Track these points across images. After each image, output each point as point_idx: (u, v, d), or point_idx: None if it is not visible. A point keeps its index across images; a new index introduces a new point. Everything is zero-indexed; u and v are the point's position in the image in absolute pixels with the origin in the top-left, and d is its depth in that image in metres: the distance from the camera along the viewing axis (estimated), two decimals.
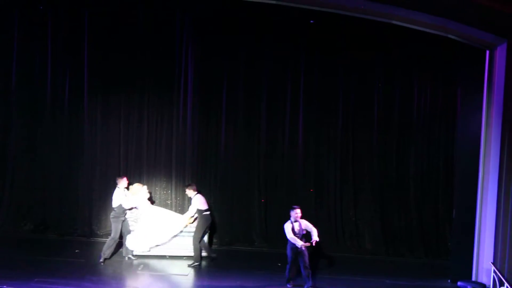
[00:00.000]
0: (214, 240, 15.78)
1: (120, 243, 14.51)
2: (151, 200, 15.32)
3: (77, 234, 16.18)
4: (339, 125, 15.77)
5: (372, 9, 11.84)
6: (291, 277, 12.86)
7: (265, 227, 16.00)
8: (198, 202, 14.48)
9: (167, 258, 14.64)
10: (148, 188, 15.04)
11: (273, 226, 15.92)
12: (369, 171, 15.79)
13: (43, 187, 16.30)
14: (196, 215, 14.51)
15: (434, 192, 15.55)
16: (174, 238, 14.66)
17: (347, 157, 15.85)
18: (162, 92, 16.09)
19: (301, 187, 15.93)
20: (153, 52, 15.82)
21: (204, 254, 14.60)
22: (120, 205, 14.25)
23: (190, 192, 14.63)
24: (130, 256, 14.48)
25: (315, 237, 12.56)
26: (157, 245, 14.60)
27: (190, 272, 13.84)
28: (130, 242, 14.43)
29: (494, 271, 11.94)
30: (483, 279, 12.68)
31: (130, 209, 14.35)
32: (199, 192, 14.73)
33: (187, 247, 14.62)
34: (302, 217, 12.73)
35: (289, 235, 12.53)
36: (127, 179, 14.73)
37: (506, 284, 11.05)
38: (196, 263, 14.27)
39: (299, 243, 12.45)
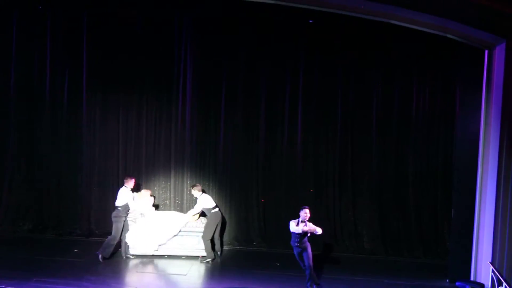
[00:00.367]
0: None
1: (118, 243, 14.52)
2: (154, 204, 15.43)
3: (76, 234, 16.19)
4: (338, 125, 15.76)
5: (371, 9, 11.83)
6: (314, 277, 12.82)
7: (263, 226, 16.00)
8: (204, 201, 14.69)
9: (165, 258, 14.65)
10: (151, 192, 15.31)
11: (272, 226, 15.95)
12: (368, 170, 15.78)
13: (42, 186, 16.31)
14: (198, 214, 14.73)
15: (433, 192, 15.55)
16: (173, 238, 14.69)
17: (346, 157, 15.84)
18: (161, 92, 16.09)
19: (300, 187, 15.91)
20: (152, 52, 15.81)
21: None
22: (125, 205, 14.29)
23: (196, 192, 14.87)
24: (128, 255, 14.49)
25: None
26: (161, 245, 14.66)
27: (189, 271, 13.84)
28: (134, 243, 14.50)
29: (493, 271, 11.96)
30: (481, 279, 12.69)
31: (132, 211, 14.41)
32: (204, 191, 14.99)
33: (186, 246, 14.74)
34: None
35: (295, 229, 12.55)
36: (135, 181, 14.87)
37: (504, 283, 11.07)
38: (209, 259, 14.48)
39: (319, 230, 12.53)
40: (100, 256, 14.13)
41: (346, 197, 15.90)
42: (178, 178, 16.11)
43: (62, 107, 16.14)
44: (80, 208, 16.23)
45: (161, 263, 14.41)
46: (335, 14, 12.57)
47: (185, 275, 13.62)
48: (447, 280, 13.61)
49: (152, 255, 14.62)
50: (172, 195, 16.08)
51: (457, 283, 12.54)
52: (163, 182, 16.10)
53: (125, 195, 14.43)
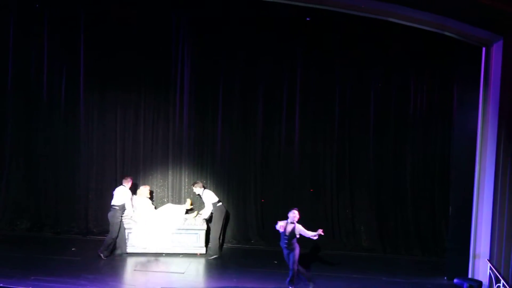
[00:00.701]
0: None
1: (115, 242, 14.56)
2: (152, 198, 15.52)
3: (74, 232, 16.18)
4: (336, 123, 15.77)
5: (369, 6, 11.83)
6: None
7: (261, 225, 16.01)
8: (209, 196, 14.90)
9: (163, 256, 14.65)
10: (150, 188, 15.49)
11: (270, 224, 15.82)
12: (365, 168, 15.79)
13: (40, 185, 16.29)
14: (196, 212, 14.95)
15: (431, 189, 15.58)
16: (171, 236, 14.70)
17: (343, 155, 15.85)
18: (158, 90, 16.10)
19: (298, 185, 15.94)
20: (149, 51, 15.81)
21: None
22: (122, 204, 14.33)
23: (198, 189, 15.06)
24: (124, 253, 14.49)
25: (317, 232, 12.38)
26: (162, 241, 14.73)
27: (187, 269, 13.83)
28: (136, 241, 14.56)
29: (491, 268, 11.96)
30: (479, 276, 12.69)
31: (129, 212, 14.43)
32: (205, 187, 15.17)
33: (184, 244, 14.80)
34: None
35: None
36: (132, 181, 14.90)
37: (502, 281, 11.07)
38: (215, 256, 14.66)
39: (310, 233, 12.37)
40: (102, 255, 14.14)
41: (344, 195, 15.91)
42: (176, 176, 16.12)
43: (60, 106, 16.13)
44: (77, 206, 16.21)
45: (159, 261, 14.41)
46: (332, 12, 12.56)
47: (183, 273, 13.61)
48: (445, 278, 13.62)
49: (150, 253, 14.61)
50: (170, 193, 16.08)
51: (455, 281, 12.51)
52: (161, 180, 16.10)
53: (122, 195, 14.43)
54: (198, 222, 14.88)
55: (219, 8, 15.35)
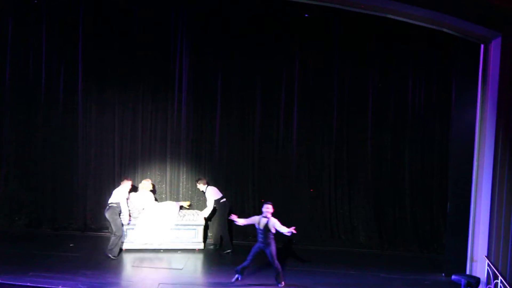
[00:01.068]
0: (209, 234, 15.78)
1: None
2: (154, 192, 15.58)
3: (72, 228, 16.18)
4: (334, 121, 15.77)
5: (367, 3, 11.82)
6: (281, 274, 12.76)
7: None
8: (212, 193, 14.98)
9: (161, 252, 14.66)
10: (152, 182, 15.54)
11: None
12: (364, 166, 15.81)
13: (38, 181, 16.28)
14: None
15: (429, 186, 15.61)
16: (169, 231, 14.72)
17: (341, 153, 15.87)
18: (157, 88, 16.11)
19: (296, 183, 15.96)
20: (148, 49, 15.83)
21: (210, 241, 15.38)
22: (118, 203, 14.27)
23: (201, 186, 15.17)
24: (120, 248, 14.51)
25: (290, 229, 12.32)
26: (161, 237, 14.77)
27: (185, 265, 13.84)
28: (135, 237, 14.59)
29: (488, 265, 11.97)
30: (477, 272, 12.71)
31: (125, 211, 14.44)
32: (209, 184, 15.22)
33: (182, 239, 14.87)
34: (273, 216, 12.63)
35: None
36: (132, 183, 14.92)
37: (500, 277, 11.08)
38: (229, 250, 14.86)
39: (284, 229, 12.34)
40: (110, 255, 14.11)
41: (342, 192, 15.93)
42: (174, 173, 16.14)
43: (58, 103, 16.11)
44: (75, 202, 16.22)
45: (157, 257, 14.42)
46: (330, 8, 12.57)
47: (181, 269, 13.62)
48: (443, 274, 13.65)
49: (148, 249, 14.62)
50: (168, 189, 16.08)
51: (453, 277, 12.52)
52: (159, 177, 16.11)
53: (119, 194, 14.40)
54: (196, 217, 14.90)
55: (217, 7, 15.39)
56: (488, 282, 11.96)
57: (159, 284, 12.49)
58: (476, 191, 12.90)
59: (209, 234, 15.78)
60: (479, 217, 12.74)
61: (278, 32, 15.51)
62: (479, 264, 12.66)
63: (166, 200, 15.87)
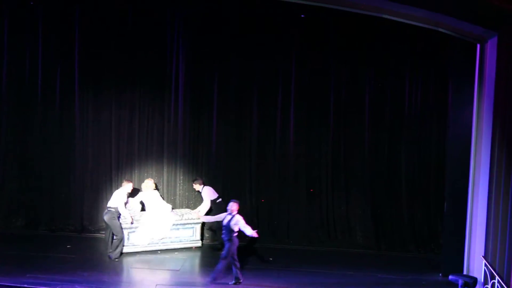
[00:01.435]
0: (206, 235, 15.79)
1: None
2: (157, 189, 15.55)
3: (69, 230, 16.15)
4: (331, 122, 15.78)
5: (363, 3, 11.82)
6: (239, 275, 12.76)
7: (256, 222, 15.96)
8: (208, 193, 15.03)
9: (159, 253, 14.66)
10: (154, 181, 15.47)
11: (265, 223, 16.01)
12: (361, 166, 15.81)
13: (35, 182, 16.24)
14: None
15: (426, 186, 15.62)
16: (169, 230, 14.84)
17: (338, 153, 15.87)
18: (153, 90, 16.09)
19: (293, 183, 15.97)
20: (144, 50, 15.81)
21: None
22: (116, 207, 14.22)
23: (197, 186, 15.22)
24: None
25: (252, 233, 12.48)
26: (162, 238, 14.83)
27: (182, 267, 13.84)
28: (139, 238, 14.60)
29: (485, 265, 11.98)
30: (474, 272, 12.71)
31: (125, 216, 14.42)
32: (205, 184, 15.25)
33: (181, 238, 15.04)
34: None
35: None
36: (133, 185, 14.86)
37: (497, 277, 11.08)
38: None
39: (248, 230, 12.45)
40: (112, 258, 14.09)
41: (339, 193, 15.93)
42: (171, 174, 16.13)
43: (55, 104, 16.08)
44: (73, 204, 16.19)
45: (154, 258, 14.41)
46: (326, 9, 12.55)
47: (178, 270, 13.62)
48: (440, 274, 13.66)
49: (146, 251, 14.62)
50: (165, 190, 16.06)
51: (450, 277, 12.53)
52: (156, 178, 16.05)
53: (118, 197, 14.34)
54: (195, 216, 14.93)
55: (214, 7, 15.39)
56: (485, 282, 11.95)
57: (156, 285, 12.50)
58: (473, 191, 12.90)
59: (206, 235, 15.78)
60: (476, 217, 12.74)
61: (274, 33, 15.51)
62: (476, 264, 12.66)
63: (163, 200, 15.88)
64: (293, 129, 15.87)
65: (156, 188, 15.40)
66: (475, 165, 12.84)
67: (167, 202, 15.70)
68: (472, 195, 12.90)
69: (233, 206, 12.64)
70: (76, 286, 12.06)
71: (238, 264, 12.60)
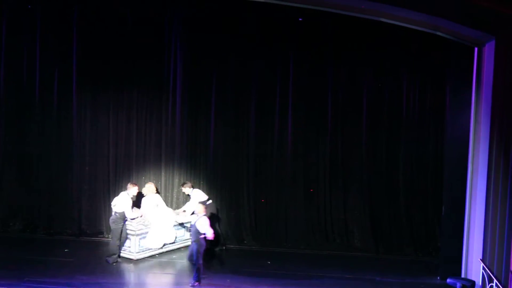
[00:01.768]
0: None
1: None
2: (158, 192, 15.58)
3: (67, 234, 16.11)
4: (329, 124, 15.75)
5: (362, 7, 11.84)
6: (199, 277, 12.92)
7: (254, 225, 16.00)
8: (197, 195, 14.97)
9: (156, 257, 14.65)
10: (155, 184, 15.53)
11: (263, 225, 16.00)
12: (359, 169, 15.79)
13: (33, 186, 16.21)
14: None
15: (424, 189, 15.58)
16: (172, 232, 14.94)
17: (336, 155, 15.84)
18: (151, 91, 16.07)
19: (291, 186, 15.93)
20: (142, 51, 15.78)
21: None
22: (122, 212, 14.18)
23: (187, 190, 15.18)
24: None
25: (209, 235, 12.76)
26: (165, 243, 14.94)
27: (180, 269, 13.84)
28: (151, 242, 14.66)
29: (483, 268, 11.99)
30: (472, 276, 12.72)
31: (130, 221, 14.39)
32: (193, 187, 15.28)
33: (181, 238, 15.20)
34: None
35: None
36: (138, 188, 14.79)
37: (495, 280, 11.10)
38: (221, 248, 15.09)
39: (207, 232, 12.71)
40: (109, 261, 14.08)
41: (337, 196, 15.90)
42: (169, 177, 16.13)
43: (52, 106, 16.07)
44: (70, 207, 16.15)
45: (152, 261, 14.40)
46: (325, 12, 12.57)
47: (176, 273, 13.61)
48: (438, 278, 13.66)
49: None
50: (162, 193, 16.03)
51: (448, 281, 12.55)
52: (154, 181, 16.03)
53: (123, 202, 14.29)
54: (182, 217, 15.03)
55: (211, 10, 15.37)
56: (483, 285, 11.97)
57: None
58: (470, 194, 12.92)
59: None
60: (474, 220, 12.76)
61: (272, 35, 15.51)
62: (474, 267, 12.67)
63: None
64: (291, 130, 15.85)
65: (157, 191, 15.40)
66: (473, 168, 12.85)
67: (166, 204, 15.72)
68: (470, 198, 12.92)
69: (200, 207, 12.83)
70: None
71: (202, 268, 12.77)
